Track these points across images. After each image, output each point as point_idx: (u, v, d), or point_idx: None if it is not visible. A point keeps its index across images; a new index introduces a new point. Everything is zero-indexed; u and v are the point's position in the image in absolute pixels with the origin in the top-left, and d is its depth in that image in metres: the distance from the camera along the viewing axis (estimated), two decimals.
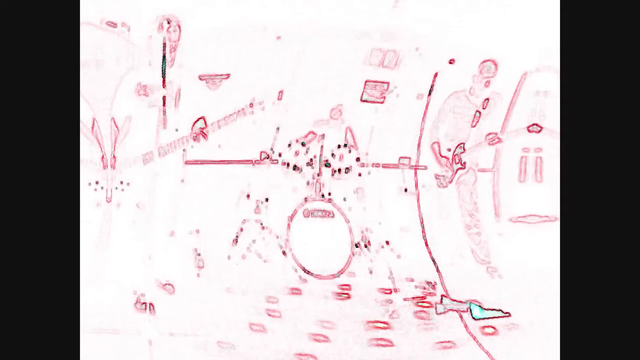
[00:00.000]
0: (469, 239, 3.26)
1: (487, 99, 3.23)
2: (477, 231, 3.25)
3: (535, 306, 3.19)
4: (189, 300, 3.45)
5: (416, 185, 3.30)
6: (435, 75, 3.27)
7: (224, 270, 3.44)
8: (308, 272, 3.38)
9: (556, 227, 3.16)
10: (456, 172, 3.26)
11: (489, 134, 3.24)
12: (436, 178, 3.28)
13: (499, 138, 3.22)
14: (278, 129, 3.39)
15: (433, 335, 3.26)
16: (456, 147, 3.26)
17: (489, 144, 3.22)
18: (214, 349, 3.43)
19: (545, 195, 3.20)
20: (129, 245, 3.52)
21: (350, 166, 3.34)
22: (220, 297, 3.43)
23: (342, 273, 3.36)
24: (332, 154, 3.35)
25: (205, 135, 3.41)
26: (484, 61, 3.22)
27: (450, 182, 3.27)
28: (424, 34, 3.26)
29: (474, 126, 3.25)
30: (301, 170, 3.38)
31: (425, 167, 3.29)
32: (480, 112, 3.24)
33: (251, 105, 3.38)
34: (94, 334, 3.53)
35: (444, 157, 3.27)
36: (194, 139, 3.43)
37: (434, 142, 3.28)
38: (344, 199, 3.36)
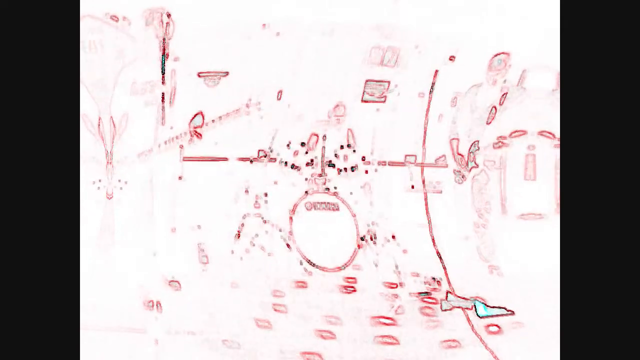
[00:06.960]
0: (475, 236, 3.25)
1: (505, 94, 3.18)
2: (484, 229, 3.24)
3: (538, 305, 3.19)
4: (195, 297, 3.47)
5: (423, 183, 3.28)
6: (436, 72, 3.23)
7: (228, 265, 3.45)
8: (313, 265, 3.39)
9: (557, 226, 3.15)
10: (470, 170, 3.24)
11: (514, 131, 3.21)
12: (454, 173, 3.25)
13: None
14: (277, 130, 3.37)
15: (438, 334, 3.28)
16: (471, 146, 3.23)
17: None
18: (220, 347, 3.46)
19: (544, 194, 3.19)
20: (132, 243, 3.53)
21: (356, 165, 3.32)
22: (225, 293, 3.45)
23: (347, 266, 3.36)
24: (336, 155, 3.33)
25: (199, 135, 3.38)
26: (496, 54, 3.18)
27: (466, 178, 3.25)
28: (423, 32, 3.22)
29: (489, 123, 3.21)
30: (300, 169, 3.36)
31: (433, 164, 3.27)
32: (496, 108, 3.20)
33: (247, 106, 3.36)
34: (100, 331, 3.56)
35: (460, 154, 3.24)
36: (189, 141, 3.41)
37: (453, 138, 3.24)
38: (350, 193, 3.35)
